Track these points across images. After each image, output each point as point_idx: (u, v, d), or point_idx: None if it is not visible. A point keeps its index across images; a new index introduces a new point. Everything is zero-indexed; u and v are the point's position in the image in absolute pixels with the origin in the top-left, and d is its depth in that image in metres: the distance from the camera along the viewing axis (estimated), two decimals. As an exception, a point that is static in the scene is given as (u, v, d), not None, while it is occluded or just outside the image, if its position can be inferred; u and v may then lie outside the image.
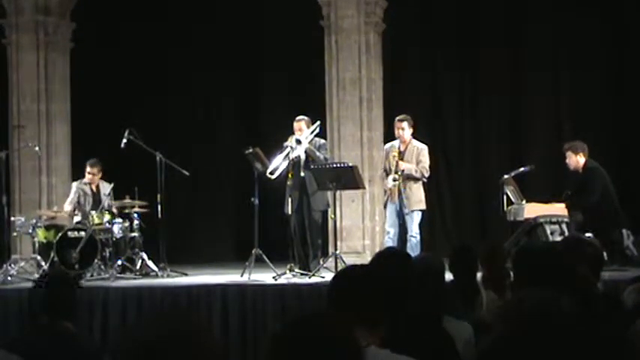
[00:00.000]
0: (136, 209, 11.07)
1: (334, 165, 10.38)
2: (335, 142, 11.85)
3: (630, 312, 4.23)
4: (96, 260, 10.42)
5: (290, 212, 10.03)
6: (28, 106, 12.68)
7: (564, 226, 10.26)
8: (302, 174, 10.10)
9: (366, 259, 10.24)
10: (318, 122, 10.46)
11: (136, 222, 11.01)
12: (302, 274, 9.78)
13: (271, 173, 9.95)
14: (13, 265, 10.83)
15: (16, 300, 9.38)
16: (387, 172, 10.32)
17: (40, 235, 10.77)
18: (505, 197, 10.63)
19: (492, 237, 11.25)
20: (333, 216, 10.60)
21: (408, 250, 9.80)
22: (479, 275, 5.90)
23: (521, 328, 2.83)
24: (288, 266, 9.86)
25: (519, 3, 13.17)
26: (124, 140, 10.85)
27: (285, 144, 10.18)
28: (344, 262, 9.37)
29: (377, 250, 9.83)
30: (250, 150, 10.22)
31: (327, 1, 12.07)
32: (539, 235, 10.25)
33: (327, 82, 12.09)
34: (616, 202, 9.92)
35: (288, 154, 10.03)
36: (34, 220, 10.95)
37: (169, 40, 13.98)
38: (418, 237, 10.12)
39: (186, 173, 11.04)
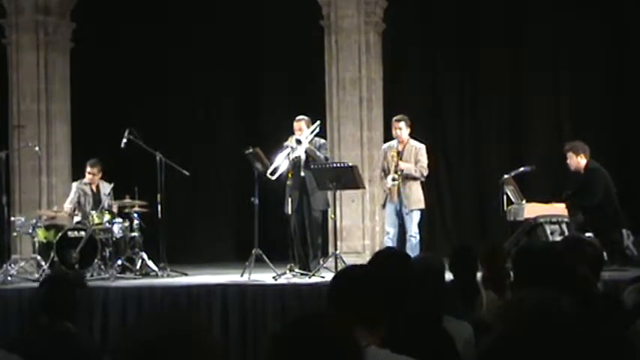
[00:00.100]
0: (136, 209, 11.07)
1: (334, 165, 10.38)
2: (335, 142, 11.86)
3: (630, 312, 4.23)
4: (96, 260, 10.42)
5: (290, 212, 10.03)
6: (28, 106, 12.69)
7: (564, 226, 10.26)
8: (302, 174, 10.10)
9: (366, 259, 10.19)
10: (318, 122, 10.47)
11: (136, 222, 11.01)
12: (302, 274, 9.78)
13: (272, 173, 9.95)
14: (13, 265, 10.83)
15: (16, 300, 9.39)
16: (386, 173, 10.32)
17: (40, 235, 10.77)
18: (505, 197, 10.63)
19: (492, 237, 11.25)
20: (333, 216, 10.61)
21: (408, 250, 9.79)
22: (479, 275, 5.90)
23: (521, 328, 2.83)
24: (288, 266, 9.86)
25: (519, 3, 13.17)
26: (124, 140, 10.85)
27: (286, 144, 10.18)
28: (344, 262, 9.37)
29: (377, 250, 9.83)
30: (250, 150, 10.22)
31: (327, 1, 12.08)
32: (539, 235, 10.24)
33: (327, 82, 12.09)
34: (616, 203, 9.91)
35: (288, 154, 10.03)
36: (34, 220, 10.95)
37: (169, 40, 13.98)
38: (418, 237, 10.11)
39: (187, 173, 11.04)
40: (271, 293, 9.07)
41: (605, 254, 5.99)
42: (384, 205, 10.39)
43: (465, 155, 13.43)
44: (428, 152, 10.44)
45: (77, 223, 10.95)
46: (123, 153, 10.90)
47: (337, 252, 9.91)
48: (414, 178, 10.20)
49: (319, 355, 2.11)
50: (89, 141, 12.86)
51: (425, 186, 10.46)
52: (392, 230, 10.20)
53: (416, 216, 10.17)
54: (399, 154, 10.24)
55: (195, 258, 12.67)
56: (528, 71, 13.12)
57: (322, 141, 10.56)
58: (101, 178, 11.38)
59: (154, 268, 10.65)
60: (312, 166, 10.04)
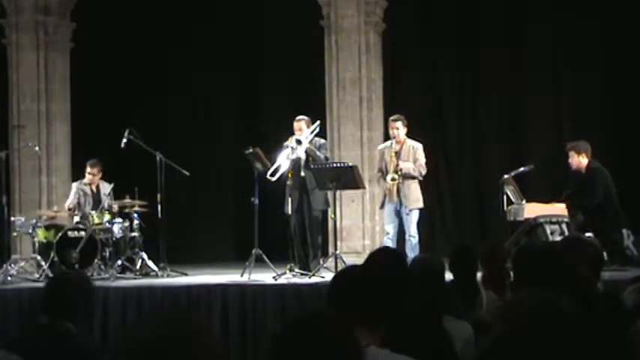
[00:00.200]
0: (136, 209, 11.07)
1: (334, 165, 10.38)
2: (335, 142, 11.86)
3: (630, 312, 4.23)
4: (96, 260, 10.42)
5: (290, 212, 10.03)
6: (28, 106, 12.69)
7: (564, 226, 10.26)
8: (302, 174, 10.10)
9: (366, 259, 10.23)
10: (318, 122, 10.46)
11: (136, 222, 11.01)
12: (302, 274, 9.78)
13: (272, 175, 9.94)
14: (13, 265, 10.83)
15: (16, 300, 9.39)
16: (383, 173, 10.32)
17: (40, 235, 10.78)
18: (505, 197, 10.63)
19: (492, 237, 11.24)
20: (333, 216, 10.61)
21: (407, 251, 9.81)
22: (479, 275, 5.90)
23: (521, 328, 2.83)
24: (288, 266, 9.86)
25: (519, 3, 13.17)
26: (124, 140, 10.84)
27: (286, 144, 10.18)
28: (344, 262, 9.37)
29: (377, 250, 9.82)
30: (250, 150, 10.22)
31: (327, 1, 12.08)
32: (539, 235, 10.24)
33: (327, 82, 12.10)
34: (616, 203, 9.91)
35: (289, 155, 10.02)
36: (34, 220, 10.96)
37: (169, 40, 13.98)
38: (417, 237, 10.11)
39: (187, 173, 11.04)
40: (271, 293, 9.07)
41: (605, 254, 5.99)
42: (382, 206, 10.39)
43: (465, 155, 13.43)
44: (427, 152, 10.45)
45: (77, 223, 10.95)
46: (123, 153, 10.90)
47: (337, 252, 9.91)
48: (413, 177, 10.21)
49: (319, 355, 2.11)
50: (89, 141, 12.87)
51: (424, 186, 10.46)
52: (392, 230, 10.20)
53: (415, 216, 10.17)
54: (397, 154, 10.24)
55: (195, 258, 12.67)
56: (528, 71, 13.12)
57: (322, 141, 10.56)
58: (101, 178, 11.38)
59: (154, 268, 10.65)
60: (312, 166, 10.04)
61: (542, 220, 10.37)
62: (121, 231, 10.84)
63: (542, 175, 11.89)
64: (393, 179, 10.13)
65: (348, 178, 9.90)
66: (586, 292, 4.15)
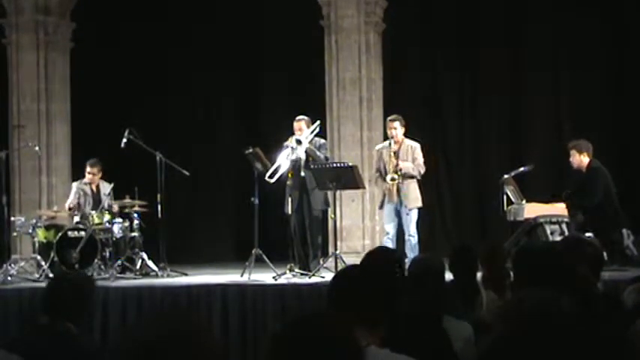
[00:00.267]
0: (136, 209, 11.07)
1: (334, 165, 10.38)
2: (335, 142, 11.86)
3: (630, 312, 4.23)
4: (96, 260, 10.42)
5: (290, 212, 10.03)
6: (28, 105, 12.69)
7: (564, 226, 10.26)
8: (302, 174, 10.10)
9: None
10: (318, 122, 10.46)
11: (136, 222, 11.01)
12: (302, 274, 9.78)
13: (271, 176, 9.92)
14: (13, 265, 10.83)
15: (16, 300, 9.39)
16: (381, 173, 10.32)
17: (40, 235, 10.78)
18: (505, 197, 10.63)
19: (492, 237, 11.24)
20: (333, 216, 10.61)
21: (407, 251, 9.82)
22: (479, 275, 5.90)
23: (521, 328, 2.83)
24: (288, 266, 9.86)
25: (519, 3, 13.17)
26: (124, 140, 10.84)
27: (286, 144, 10.18)
28: (344, 262, 9.37)
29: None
30: (250, 150, 10.22)
31: (327, 1, 12.08)
32: (539, 235, 10.24)
33: (327, 82, 12.10)
34: (616, 203, 9.91)
35: (289, 155, 10.02)
36: (34, 220, 10.96)
37: (169, 40, 13.99)
38: (416, 237, 10.11)
39: (187, 173, 11.04)
40: (271, 293, 9.07)
41: (605, 254, 5.98)
42: (381, 206, 10.40)
43: (465, 155, 13.43)
44: (427, 152, 10.45)
45: (77, 223, 10.95)
46: (123, 153, 10.90)
47: (337, 252, 9.91)
48: (412, 177, 10.21)
49: (319, 355, 2.11)
50: (89, 141, 12.87)
51: (424, 185, 10.46)
52: (392, 230, 10.20)
53: (414, 215, 10.17)
54: (396, 154, 10.24)
55: (195, 258, 12.67)
56: (528, 71, 13.12)
57: (322, 141, 10.56)
58: (101, 178, 11.38)
59: (154, 268, 10.65)
60: (312, 166, 10.04)
61: (542, 220, 10.37)
62: (121, 231, 10.84)
63: (542, 175, 11.89)
64: (392, 179, 10.13)
65: (348, 178, 9.90)
66: (586, 292, 4.15)
